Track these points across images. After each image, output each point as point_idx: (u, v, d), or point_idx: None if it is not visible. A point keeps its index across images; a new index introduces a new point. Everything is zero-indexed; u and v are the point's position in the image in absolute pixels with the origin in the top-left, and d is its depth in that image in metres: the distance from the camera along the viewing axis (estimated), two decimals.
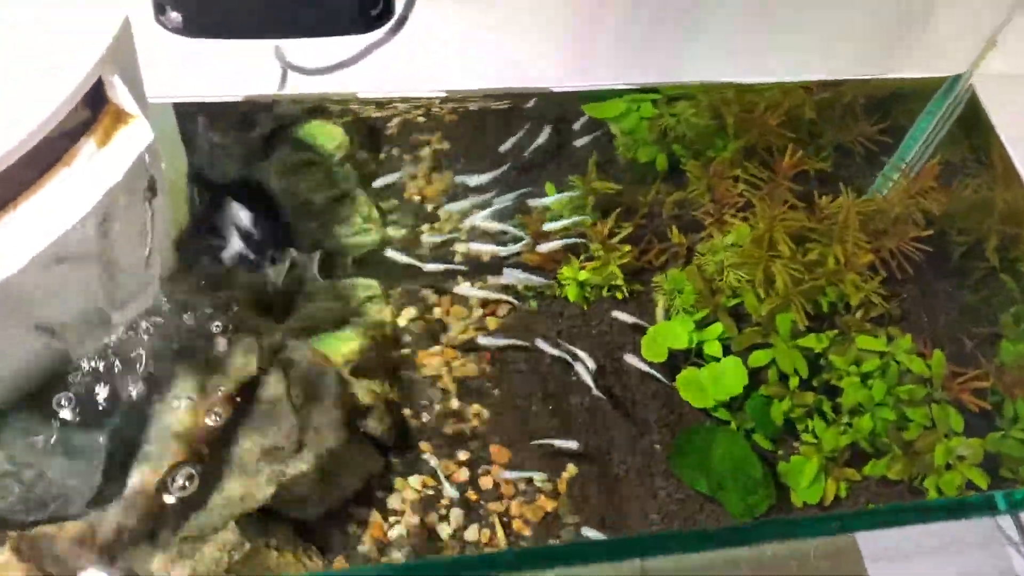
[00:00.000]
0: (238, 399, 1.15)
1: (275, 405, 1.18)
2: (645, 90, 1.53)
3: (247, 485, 1.13)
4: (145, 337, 1.05)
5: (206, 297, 1.15)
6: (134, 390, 1.06)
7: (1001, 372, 1.32)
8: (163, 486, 1.08)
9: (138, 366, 1.06)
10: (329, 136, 1.48)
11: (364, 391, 1.28)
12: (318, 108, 1.50)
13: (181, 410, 1.08)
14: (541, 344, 1.37)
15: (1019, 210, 1.42)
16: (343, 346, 1.31)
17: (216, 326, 1.15)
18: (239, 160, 1.44)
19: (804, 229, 1.36)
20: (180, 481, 1.08)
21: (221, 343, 1.14)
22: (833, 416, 1.31)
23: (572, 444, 1.30)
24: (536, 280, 1.41)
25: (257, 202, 1.42)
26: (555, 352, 1.37)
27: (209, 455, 1.11)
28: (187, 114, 1.39)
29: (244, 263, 1.35)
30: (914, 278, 1.40)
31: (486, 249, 1.45)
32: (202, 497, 1.10)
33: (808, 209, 1.39)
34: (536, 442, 1.31)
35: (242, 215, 1.39)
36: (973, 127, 1.48)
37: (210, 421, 1.11)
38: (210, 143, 1.42)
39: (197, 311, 1.13)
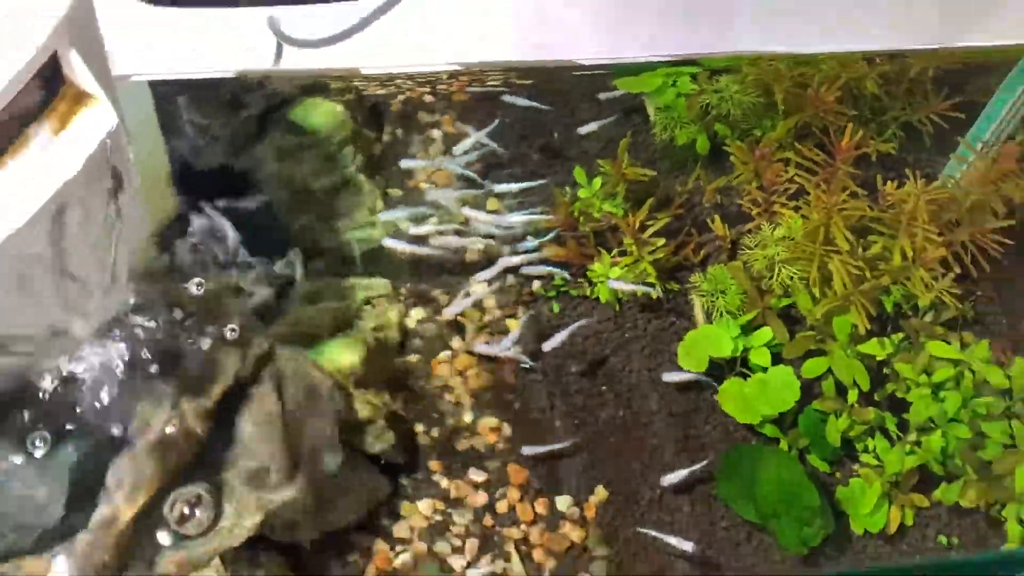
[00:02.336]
0: (222, 416, 1.08)
1: (264, 422, 1.11)
2: (684, 63, 1.45)
3: (233, 514, 1.06)
4: (114, 349, 0.99)
5: (186, 301, 1.08)
6: (103, 409, 0.99)
7: None
8: (156, 514, 1.01)
9: (107, 381, 0.99)
10: (328, 116, 1.42)
11: (367, 405, 1.22)
12: (315, 86, 1.44)
13: (155, 431, 1.02)
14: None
15: None
16: (343, 354, 1.25)
17: (197, 334, 1.08)
18: (226, 145, 1.38)
19: (866, 220, 1.29)
20: (182, 509, 1.01)
21: (203, 353, 1.08)
22: (898, 434, 1.23)
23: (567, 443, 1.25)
24: (546, 270, 1.35)
25: (247, 192, 1.36)
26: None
27: (189, 480, 1.05)
28: (167, 94, 1.33)
29: (231, 262, 1.29)
30: (992, 276, 1.32)
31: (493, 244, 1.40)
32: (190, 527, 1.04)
33: (870, 197, 1.32)
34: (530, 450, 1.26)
35: (230, 207, 1.33)
36: None
37: (190, 442, 1.04)
38: (193, 126, 1.37)
39: (175, 317, 1.06)
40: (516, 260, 1.38)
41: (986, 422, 1.21)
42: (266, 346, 1.13)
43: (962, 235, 1.29)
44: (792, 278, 1.28)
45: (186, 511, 1.02)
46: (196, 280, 1.07)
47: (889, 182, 1.32)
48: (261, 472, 1.08)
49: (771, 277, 1.29)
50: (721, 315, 1.29)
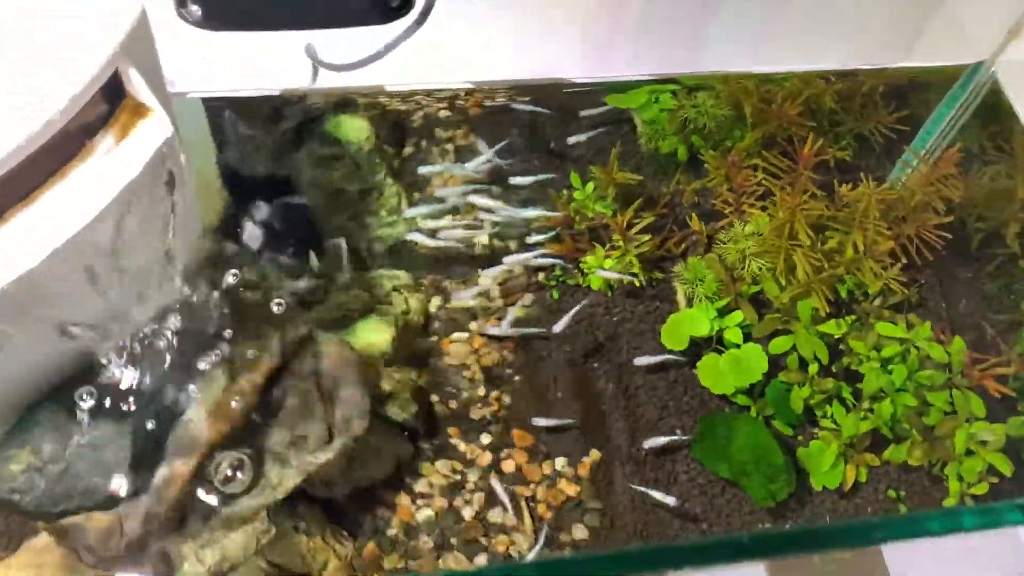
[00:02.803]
0: (267, 389, 1.05)
1: (304, 395, 1.08)
2: (665, 81, 1.41)
3: (276, 475, 1.03)
4: (170, 331, 0.96)
5: (233, 290, 1.05)
6: (160, 383, 0.96)
7: (1023, 359, 1.20)
8: (205, 476, 0.98)
9: (164, 359, 0.96)
10: (357, 128, 1.38)
11: (392, 379, 1.19)
12: (346, 102, 1.40)
13: (208, 402, 0.98)
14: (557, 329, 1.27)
15: None
16: (372, 335, 1.21)
17: (244, 318, 1.05)
18: (269, 153, 1.34)
19: (824, 218, 1.25)
20: (226, 471, 0.98)
21: (249, 335, 1.04)
22: (853, 402, 1.20)
23: (568, 412, 1.21)
24: (550, 262, 1.31)
25: (287, 194, 1.33)
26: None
27: (238, 445, 1.01)
28: (217, 108, 1.30)
29: (274, 255, 1.25)
30: (933, 265, 1.29)
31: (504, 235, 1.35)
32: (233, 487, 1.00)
33: (828, 198, 1.28)
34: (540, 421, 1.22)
35: (272, 207, 1.29)
36: (994, 115, 1.35)
37: (238, 412, 1.01)
38: (240, 137, 1.33)
39: (224, 304, 1.03)
40: (526, 255, 1.34)
41: (929, 392, 1.18)
42: (305, 328, 1.09)
43: (908, 230, 1.26)
44: (760, 268, 1.24)
45: (229, 473, 0.99)
46: (232, 271, 1.03)
47: (844, 185, 1.28)
48: (301, 439, 1.05)
49: (742, 267, 1.25)
50: (700, 300, 1.26)
